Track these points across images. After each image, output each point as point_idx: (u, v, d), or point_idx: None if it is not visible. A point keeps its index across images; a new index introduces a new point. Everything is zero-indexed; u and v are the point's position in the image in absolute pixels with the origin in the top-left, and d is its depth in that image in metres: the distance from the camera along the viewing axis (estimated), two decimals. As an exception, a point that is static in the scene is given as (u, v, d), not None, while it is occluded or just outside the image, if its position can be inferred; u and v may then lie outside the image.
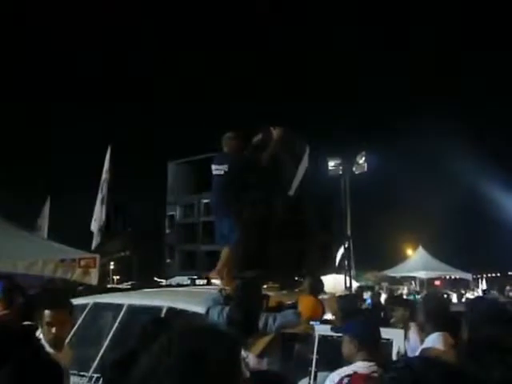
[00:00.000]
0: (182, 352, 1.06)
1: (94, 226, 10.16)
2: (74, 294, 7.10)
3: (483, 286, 30.97)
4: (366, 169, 20.26)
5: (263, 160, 6.09)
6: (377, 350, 3.14)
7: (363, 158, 20.25)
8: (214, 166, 5.97)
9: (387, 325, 4.50)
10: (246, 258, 6.25)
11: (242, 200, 5.87)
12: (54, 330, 3.07)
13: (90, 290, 8.22)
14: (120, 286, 22.80)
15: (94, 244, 10.03)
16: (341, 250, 19.67)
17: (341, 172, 20.49)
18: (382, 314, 6.72)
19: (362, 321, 3.39)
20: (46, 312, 3.13)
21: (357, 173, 20.35)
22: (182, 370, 1.04)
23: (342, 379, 2.87)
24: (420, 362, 1.19)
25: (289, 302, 4.69)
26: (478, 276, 32.37)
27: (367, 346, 3.15)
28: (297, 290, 6.38)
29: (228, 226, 5.85)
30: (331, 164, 20.66)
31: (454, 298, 23.78)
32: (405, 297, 16.70)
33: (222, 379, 1.08)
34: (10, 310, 5.17)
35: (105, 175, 10.12)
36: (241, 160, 6.01)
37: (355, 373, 2.88)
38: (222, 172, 5.86)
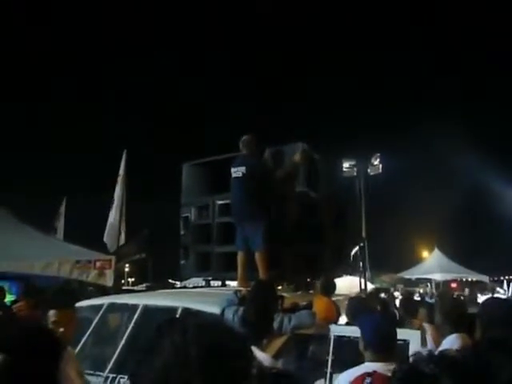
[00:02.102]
0: (199, 345, 1.05)
1: (110, 230, 10.21)
2: (84, 294, 7.14)
3: (504, 288, 30.60)
4: (380, 170, 20.20)
5: (279, 175, 6.12)
6: (385, 352, 3.06)
7: (378, 160, 20.20)
8: (232, 169, 5.97)
9: (400, 326, 4.46)
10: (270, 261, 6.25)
11: (262, 202, 5.85)
12: (61, 329, 3.06)
13: (102, 291, 8.27)
14: (135, 288, 22.89)
15: (114, 247, 10.08)
16: (354, 251, 19.54)
17: (355, 173, 20.43)
18: (398, 315, 6.68)
19: (368, 320, 3.33)
20: (52, 312, 3.14)
21: (371, 174, 20.30)
22: (200, 363, 1.03)
23: (362, 376, 2.82)
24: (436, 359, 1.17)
25: (303, 303, 4.68)
26: (495, 278, 31.98)
27: (373, 346, 3.10)
28: (311, 292, 6.37)
29: (250, 230, 5.86)
30: (346, 165, 20.61)
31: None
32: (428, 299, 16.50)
33: (240, 371, 1.08)
34: (34, 311, 5.23)
35: (119, 179, 10.15)
36: (259, 162, 6.01)
37: (375, 372, 2.83)
38: (241, 174, 5.86)
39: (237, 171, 5.92)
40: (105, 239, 10.14)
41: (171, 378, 1.03)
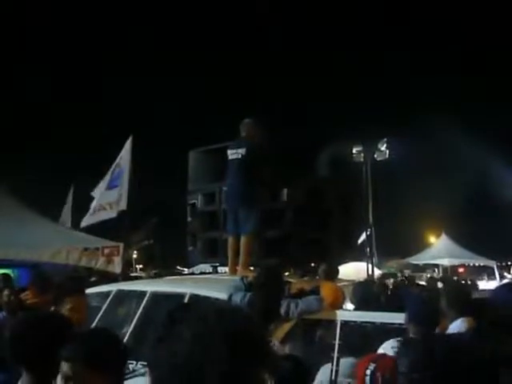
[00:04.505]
0: (222, 331, 1.06)
1: (94, 206, 10.15)
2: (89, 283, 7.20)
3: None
4: (387, 155, 20.13)
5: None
6: (427, 326, 3.19)
7: (385, 145, 20.12)
8: (230, 151, 5.94)
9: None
10: (265, 246, 6.27)
11: (258, 186, 5.84)
12: (76, 316, 3.09)
13: (106, 281, 8.30)
14: (143, 275, 23.02)
15: (84, 223, 10.07)
16: (362, 237, 19.60)
17: (362, 159, 20.39)
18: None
19: (413, 295, 3.47)
20: (68, 299, 3.18)
21: (378, 159, 20.24)
22: (225, 349, 1.03)
23: (367, 362, 2.84)
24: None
25: (309, 288, 4.70)
26: (503, 263, 31.88)
27: (415, 319, 3.21)
28: (317, 277, 6.39)
29: (243, 214, 5.85)
30: (353, 151, 20.57)
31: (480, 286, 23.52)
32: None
33: (261, 354, 1.09)
34: (42, 299, 5.26)
35: (119, 163, 10.08)
36: (259, 145, 5.99)
37: (384, 355, 2.84)
38: (240, 156, 5.83)
39: (235, 153, 5.87)
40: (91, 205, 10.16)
41: (193, 364, 1.04)
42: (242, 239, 5.76)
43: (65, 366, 1.84)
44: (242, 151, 5.82)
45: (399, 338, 2.99)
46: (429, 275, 27.02)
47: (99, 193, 10.17)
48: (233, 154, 5.90)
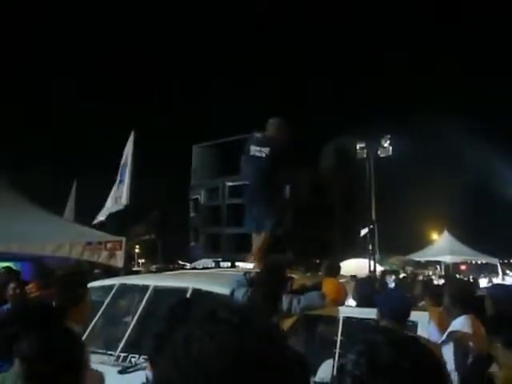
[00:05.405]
0: (253, 332, 1.03)
1: (108, 206, 10.36)
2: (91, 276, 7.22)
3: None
4: (390, 152, 20.15)
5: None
6: (398, 321, 3.21)
7: (388, 142, 20.14)
8: (253, 147, 5.84)
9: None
10: (279, 244, 6.26)
11: (279, 186, 5.81)
12: (80, 310, 3.11)
13: (108, 274, 8.32)
14: (142, 269, 23.06)
15: (96, 221, 10.22)
16: (363, 231, 19.62)
17: (365, 155, 20.41)
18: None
19: (383, 293, 3.47)
20: (72, 293, 3.20)
21: (381, 156, 20.26)
22: (260, 350, 1.01)
23: None
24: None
25: (311, 284, 4.70)
26: (505, 261, 31.84)
27: (387, 316, 3.22)
28: (320, 273, 6.40)
29: (264, 212, 5.83)
30: (357, 147, 20.59)
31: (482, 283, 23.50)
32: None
33: (288, 349, 1.08)
34: (45, 292, 5.31)
35: (125, 159, 10.16)
36: (284, 146, 5.92)
37: None
38: (264, 155, 5.75)
39: (259, 150, 5.77)
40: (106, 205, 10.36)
41: (217, 366, 0.96)
42: (263, 235, 5.77)
43: (21, 365, 1.85)
44: (265, 150, 5.72)
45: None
46: (430, 272, 27.05)
47: (112, 191, 10.44)
48: (256, 150, 5.80)
